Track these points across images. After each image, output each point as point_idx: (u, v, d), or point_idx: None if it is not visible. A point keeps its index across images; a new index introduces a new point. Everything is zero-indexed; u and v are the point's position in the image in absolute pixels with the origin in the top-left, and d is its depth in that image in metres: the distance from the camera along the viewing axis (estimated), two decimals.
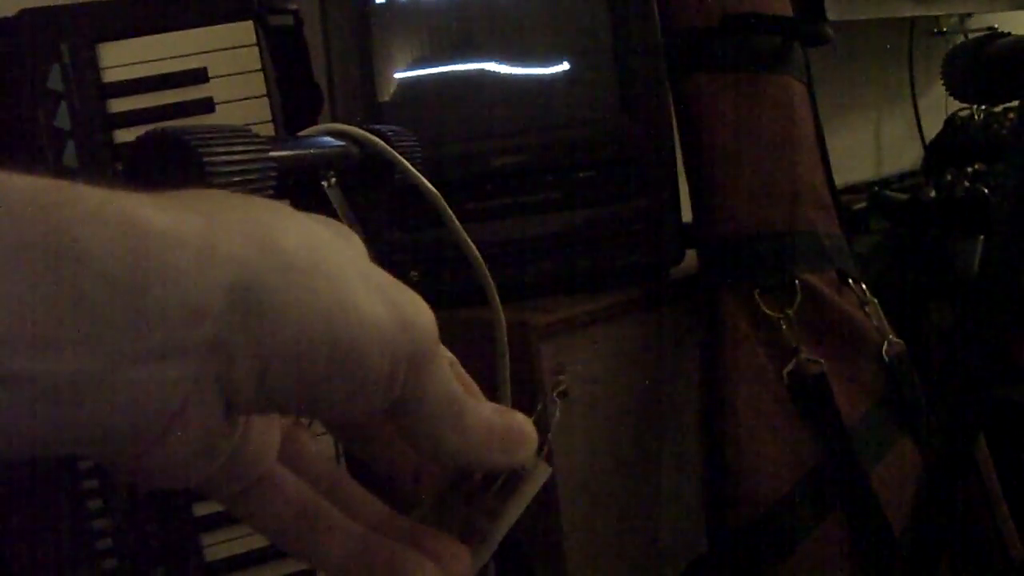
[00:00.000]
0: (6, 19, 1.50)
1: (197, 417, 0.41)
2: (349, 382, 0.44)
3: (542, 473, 0.55)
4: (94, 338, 0.37)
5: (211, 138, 0.65)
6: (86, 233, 0.37)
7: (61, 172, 1.43)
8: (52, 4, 1.53)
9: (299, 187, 0.80)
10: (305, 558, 0.54)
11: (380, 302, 0.44)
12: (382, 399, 0.46)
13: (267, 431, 0.51)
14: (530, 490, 0.55)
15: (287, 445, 0.54)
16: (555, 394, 1.54)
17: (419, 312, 0.46)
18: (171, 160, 0.64)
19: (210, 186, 0.63)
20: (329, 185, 0.82)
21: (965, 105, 2.37)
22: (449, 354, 0.54)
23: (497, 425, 0.51)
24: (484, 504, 0.55)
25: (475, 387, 0.55)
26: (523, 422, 0.53)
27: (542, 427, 0.56)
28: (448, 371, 0.49)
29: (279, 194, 0.74)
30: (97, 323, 0.37)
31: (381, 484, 0.58)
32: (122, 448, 0.41)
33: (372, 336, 0.44)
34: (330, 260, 0.44)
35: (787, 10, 1.76)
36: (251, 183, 0.68)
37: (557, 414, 0.59)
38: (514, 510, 0.55)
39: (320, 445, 0.56)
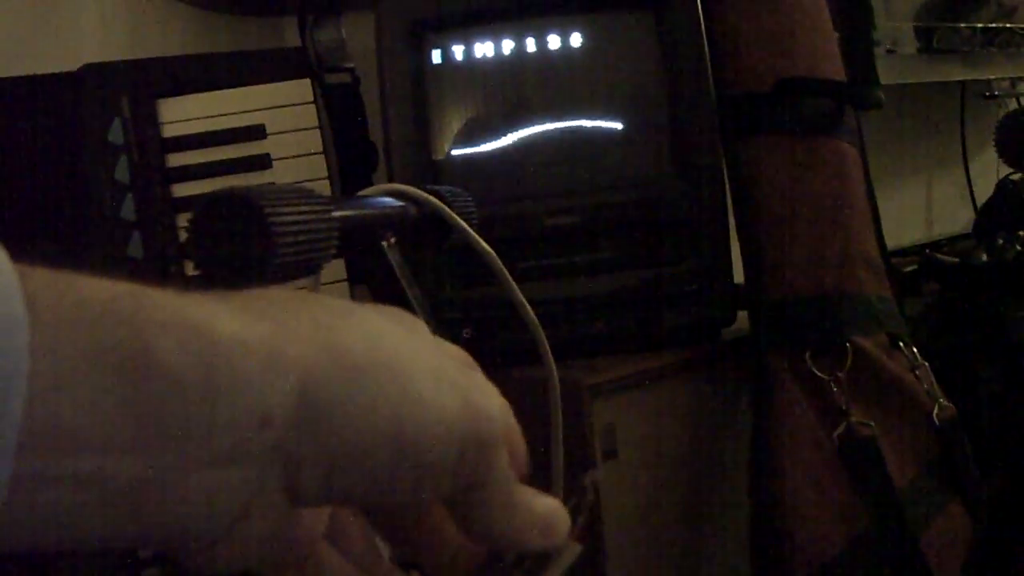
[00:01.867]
0: (69, 73, 1.52)
1: (261, 516, 0.42)
2: (415, 474, 0.45)
3: (572, 551, 0.55)
4: (163, 443, 0.38)
5: (277, 198, 0.66)
6: (159, 342, 0.38)
7: (119, 225, 1.45)
8: (114, 60, 1.55)
9: (359, 247, 0.81)
10: None
11: (448, 392, 0.45)
12: (449, 487, 0.47)
13: (317, 512, 0.51)
14: (560, 567, 0.55)
15: (332, 523, 0.54)
16: (602, 454, 1.54)
17: (488, 400, 0.47)
18: (237, 219, 0.65)
19: (275, 245, 0.64)
20: (388, 245, 0.83)
21: (1016, 170, 2.37)
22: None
23: (538, 509, 0.51)
24: None
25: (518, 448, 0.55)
26: (557, 506, 0.53)
27: (577, 506, 0.57)
28: (506, 456, 0.49)
29: (340, 254, 0.74)
30: (167, 429, 0.38)
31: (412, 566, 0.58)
32: (187, 544, 0.42)
33: (439, 428, 0.44)
34: (396, 355, 0.45)
35: (840, 74, 1.76)
36: (314, 243, 0.69)
37: (590, 496, 0.59)
38: None
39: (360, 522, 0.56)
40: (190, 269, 1.50)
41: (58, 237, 1.48)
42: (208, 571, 0.44)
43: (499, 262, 0.88)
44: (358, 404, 0.42)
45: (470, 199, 0.92)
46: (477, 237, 0.88)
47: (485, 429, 0.46)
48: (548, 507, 0.52)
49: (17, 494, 0.36)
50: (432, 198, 0.87)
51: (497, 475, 0.48)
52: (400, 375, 0.44)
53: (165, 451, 0.38)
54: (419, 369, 0.45)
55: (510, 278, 0.88)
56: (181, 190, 1.52)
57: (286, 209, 0.66)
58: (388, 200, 0.85)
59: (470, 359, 0.53)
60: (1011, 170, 2.44)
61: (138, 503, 0.39)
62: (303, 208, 0.68)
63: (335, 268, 1.52)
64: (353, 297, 1.52)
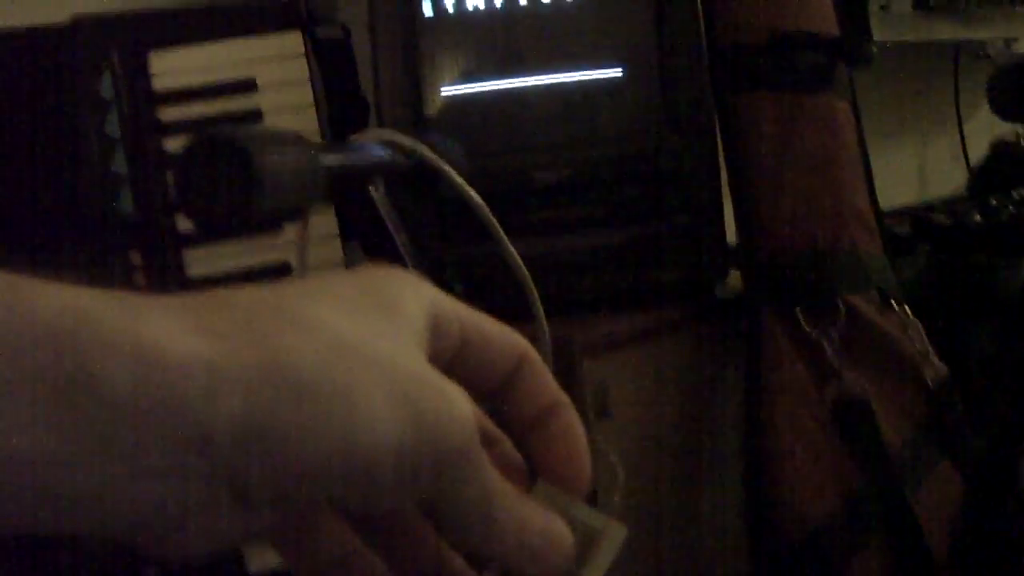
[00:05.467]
0: (58, 26, 1.51)
1: (214, 521, 0.42)
2: (363, 488, 0.44)
3: (617, 535, 0.53)
4: (100, 459, 0.39)
5: (264, 142, 0.66)
6: (97, 363, 0.38)
7: (110, 178, 1.44)
8: (104, 12, 1.54)
9: (347, 194, 0.81)
10: None
11: (402, 409, 0.44)
12: (400, 500, 0.46)
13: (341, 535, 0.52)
14: (608, 554, 0.52)
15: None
16: (595, 413, 1.54)
17: (448, 412, 0.45)
18: (222, 162, 0.65)
19: (261, 188, 0.63)
20: (377, 192, 0.82)
21: (1011, 130, 2.36)
22: (560, 396, 0.53)
23: (531, 526, 0.49)
24: None
25: (579, 448, 0.53)
26: (560, 532, 0.50)
27: (609, 486, 0.55)
28: (484, 469, 0.47)
29: (327, 199, 0.74)
30: (107, 446, 0.39)
31: None
32: (139, 542, 0.43)
33: (388, 451, 0.43)
34: (348, 370, 0.44)
35: (833, 30, 1.75)
36: (301, 187, 0.69)
37: (621, 476, 0.58)
38: None
39: None
40: (182, 225, 1.50)
41: (48, 192, 1.48)
42: (170, 559, 0.44)
43: (489, 213, 0.88)
44: (303, 427, 0.42)
45: (460, 149, 0.92)
46: (467, 187, 0.88)
47: (444, 444, 0.45)
48: (544, 526, 0.50)
49: None
50: (421, 146, 0.86)
51: (467, 488, 0.47)
52: (350, 394, 0.43)
53: (102, 467, 0.39)
54: (372, 384, 0.44)
55: (500, 230, 0.88)
56: (172, 143, 1.52)
57: (272, 152, 0.65)
58: (377, 147, 0.85)
59: (443, 306, 0.51)
60: (1005, 131, 2.44)
61: (86, 511, 0.40)
62: (289, 151, 0.68)
63: (327, 224, 1.51)
64: (345, 254, 1.52)
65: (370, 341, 0.45)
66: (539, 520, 0.50)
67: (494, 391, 0.52)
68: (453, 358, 0.50)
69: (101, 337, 0.39)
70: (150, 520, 0.41)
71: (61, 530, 0.40)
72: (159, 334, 0.40)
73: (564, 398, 0.53)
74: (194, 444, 0.40)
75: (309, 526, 0.52)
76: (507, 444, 0.54)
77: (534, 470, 0.53)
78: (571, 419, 0.53)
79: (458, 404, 0.46)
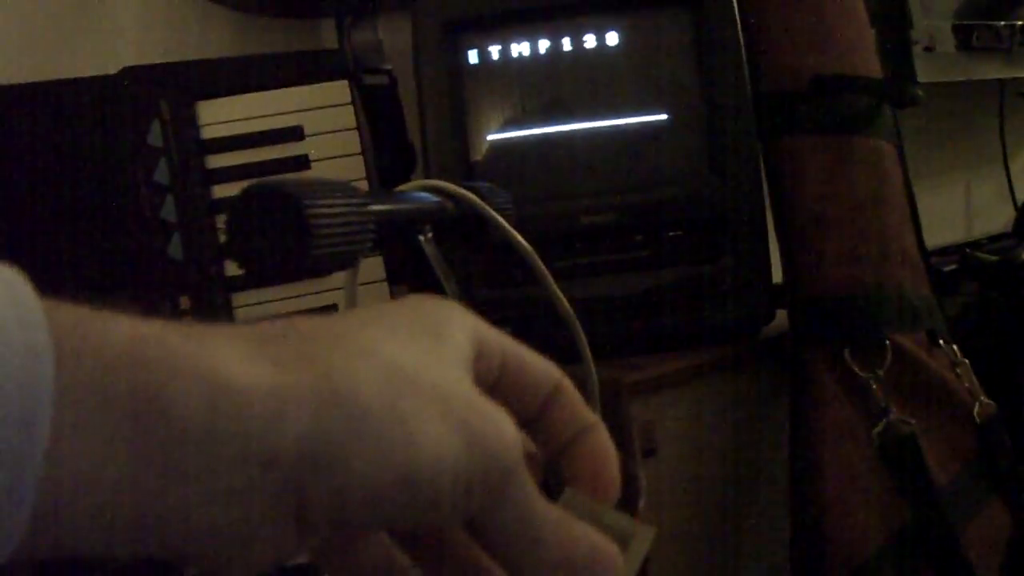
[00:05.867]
0: (109, 76, 1.53)
1: (269, 542, 0.44)
2: (421, 509, 0.45)
3: (646, 535, 0.54)
4: (169, 483, 0.40)
5: (314, 191, 0.66)
6: (168, 389, 0.40)
7: (160, 226, 1.46)
8: (153, 62, 1.56)
9: (396, 241, 0.82)
10: None
11: (456, 431, 0.45)
12: (452, 519, 0.47)
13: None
14: (637, 555, 0.54)
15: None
16: (641, 452, 1.54)
17: (498, 434, 0.47)
18: (274, 212, 0.66)
19: (311, 237, 0.64)
20: (425, 240, 0.83)
21: None
22: (593, 419, 0.55)
23: (580, 548, 0.50)
24: None
25: (608, 462, 0.55)
26: (610, 553, 0.51)
27: (632, 492, 0.56)
28: (529, 487, 0.49)
29: (377, 248, 0.75)
30: (176, 471, 0.40)
31: None
32: (199, 563, 0.44)
33: (442, 468, 0.45)
34: (404, 395, 0.45)
35: (876, 72, 1.76)
36: (351, 236, 0.69)
37: (643, 481, 0.59)
38: None
39: None
40: (230, 270, 1.51)
41: (100, 239, 1.50)
42: None
43: (537, 258, 0.88)
44: (363, 449, 0.43)
45: (507, 195, 0.92)
46: (514, 232, 0.88)
47: (494, 463, 0.47)
48: (593, 548, 0.51)
49: (36, 524, 0.38)
50: (468, 193, 0.87)
51: (513, 507, 0.48)
52: (409, 420, 0.45)
53: (171, 491, 0.40)
54: (428, 410, 0.45)
55: (548, 274, 0.88)
56: (221, 191, 1.53)
57: (322, 201, 0.66)
58: (425, 195, 0.86)
59: (486, 341, 0.52)
60: None
61: (147, 534, 0.41)
62: (339, 201, 0.68)
63: (374, 267, 1.52)
64: (392, 297, 1.52)
65: (423, 367, 0.47)
66: (585, 536, 0.51)
67: (531, 416, 0.54)
68: (494, 384, 0.52)
69: (171, 364, 0.40)
70: (217, 541, 0.42)
71: (130, 553, 0.41)
72: (225, 361, 0.42)
73: (596, 420, 0.55)
74: (259, 467, 0.41)
75: (357, 541, 0.54)
76: (602, 434, 0.55)
77: (562, 483, 0.54)
78: (602, 437, 0.55)
79: (508, 426, 0.48)
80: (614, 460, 0.55)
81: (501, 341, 0.53)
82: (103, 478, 0.39)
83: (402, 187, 0.88)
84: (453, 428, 0.46)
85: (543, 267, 0.88)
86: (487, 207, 0.88)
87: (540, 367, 0.54)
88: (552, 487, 0.53)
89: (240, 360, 0.42)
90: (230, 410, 0.41)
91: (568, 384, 0.55)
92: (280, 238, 0.66)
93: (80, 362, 0.39)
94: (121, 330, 0.41)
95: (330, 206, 0.67)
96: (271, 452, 0.42)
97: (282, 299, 1.53)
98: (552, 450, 0.54)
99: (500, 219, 0.88)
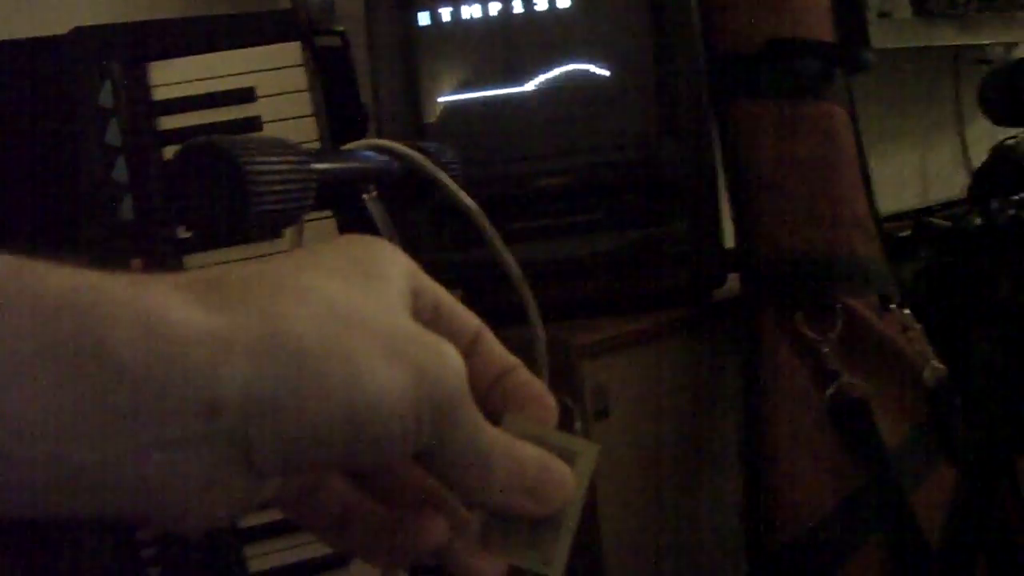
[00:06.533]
0: (58, 37, 1.52)
1: (221, 491, 0.44)
2: (370, 446, 0.46)
3: (590, 453, 0.55)
4: (114, 430, 0.40)
5: (253, 149, 0.66)
6: (110, 334, 0.40)
7: (111, 188, 1.45)
8: (103, 23, 1.55)
9: (340, 200, 0.81)
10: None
11: (400, 364, 0.46)
12: (404, 452, 0.47)
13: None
14: (582, 474, 0.54)
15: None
16: (594, 414, 1.55)
17: (443, 366, 0.47)
18: (213, 170, 0.65)
19: (250, 194, 0.64)
20: (370, 198, 0.83)
21: (1012, 134, 2.36)
22: (515, 360, 0.56)
23: (530, 468, 0.52)
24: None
25: (542, 391, 0.56)
26: (560, 470, 0.53)
27: (568, 412, 0.57)
28: (475, 413, 0.49)
29: (320, 206, 0.75)
30: (117, 416, 0.40)
31: None
32: (152, 518, 0.44)
33: (391, 403, 0.45)
34: (346, 334, 0.45)
35: (830, 36, 1.76)
36: (291, 194, 0.69)
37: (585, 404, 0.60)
38: (574, 503, 0.54)
39: None
40: (182, 232, 1.51)
41: (49, 201, 1.49)
42: (181, 533, 0.46)
43: (483, 216, 0.88)
44: (308, 391, 0.43)
45: (455, 155, 0.92)
46: (460, 192, 0.88)
47: (439, 395, 0.47)
48: (544, 469, 0.53)
49: None
50: (414, 152, 0.87)
51: (461, 435, 0.49)
52: (351, 357, 0.45)
53: (116, 437, 0.40)
54: (370, 346, 0.46)
55: (495, 234, 0.88)
56: (172, 153, 1.52)
57: (261, 159, 0.66)
58: (370, 154, 0.86)
59: (422, 284, 0.53)
60: (1007, 136, 2.44)
61: (94, 485, 0.41)
62: (279, 158, 0.68)
63: (327, 228, 1.52)
64: None
65: (362, 305, 0.47)
66: (534, 456, 0.52)
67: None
68: (426, 324, 0.51)
69: (110, 310, 0.40)
70: (162, 492, 0.42)
71: (72, 508, 0.41)
72: (165, 307, 0.42)
73: (517, 361, 0.56)
74: (202, 413, 0.41)
75: (312, 486, 0.54)
76: (522, 372, 0.57)
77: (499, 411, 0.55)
78: (526, 373, 0.56)
79: (452, 354, 0.48)
80: (543, 387, 0.56)
81: (433, 283, 0.54)
82: (45, 427, 0.38)
83: (348, 146, 0.87)
84: (398, 362, 0.46)
85: (490, 227, 0.88)
86: (433, 166, 0.87)
87: (466, 312, 0.56)
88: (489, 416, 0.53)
89: (179, 306, 0.42)
90: (170, 355, 0.41)
91: (488, 331, 0.56)
92: (219, 196, 0.65)
93: (17, 306, 0.39)
94: (60, 278, 0.40)
95: (269, 163, 0.67)
96: (211, 400, 0.41)
97: (235, 260, 1.52)
98: (479, 389, 0.54)
99: (446, 178, 0.88)
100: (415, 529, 0.54)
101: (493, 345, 0.56)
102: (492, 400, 0.55)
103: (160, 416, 0.41)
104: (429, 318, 0.53)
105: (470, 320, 0.55)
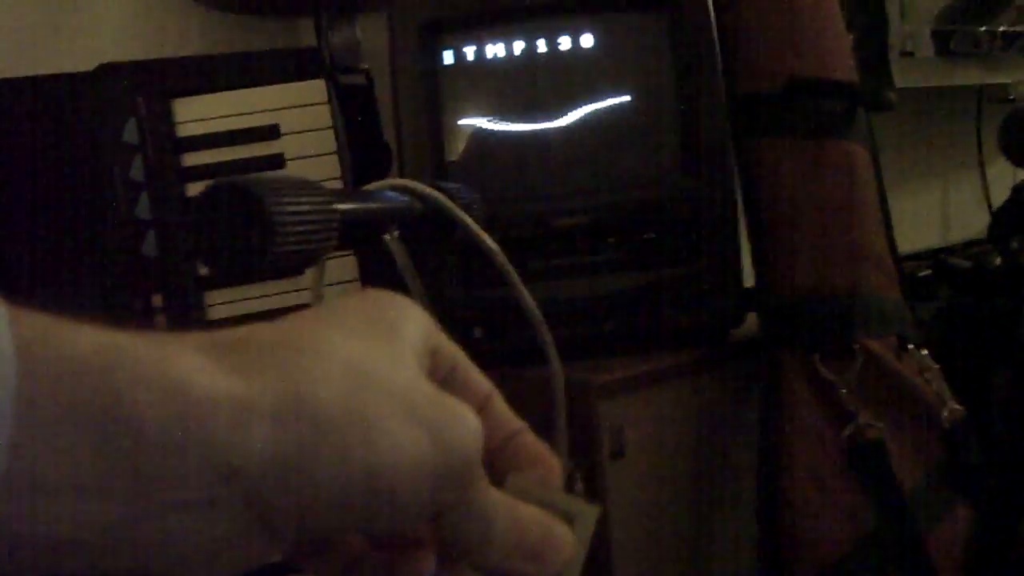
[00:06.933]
0: (84, 73, 1.53)
1: (236, 552, 0.44)
2: (387, 512, 0.46)
3: (590, 515, 0.55)
4: (134, 490, 0.40)
5: (279, 189, 0.67)
6: (133, 396, 0.40)
7: (134, 224, 1.46)
8: (131, 60, 1.56)
9: (362, 240, 0.82)
10: None
11: (420, 429, 0.46)
12: (422, 518, 0.48)
13: None
14: (582, 535, 0.55)
15: None
16: (610, 454, 1.55)
17: (460, 430, 0.48)
18: (239, 209, 0.66)
19: (273, 234, 0.65)
20: (392, 239, 0.83)
21: None
22: (521, 423, 0.57)
23: (532, 531, 0.52)
24: None
25: (545, 455, 0.57)
26: (561, 532, 0.54)
27: (571, 475, 0.57)
28: (483, 477, 0.50)
29: (342, 245, 0.75)
30: (139, 478, 0.40)
31: None
32: None
33: (410, 470, 0.46)
34: (367, 399, 0.46)
35: (852, 76, 1.76)
36: (315, 234, 0.70)
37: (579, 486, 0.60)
38: (574, 564, 0.55)
39: None
40: (204, 268, 1.51)
41: (74, 236, 1.50)
42: None
43: (503, 257, 0.89)
44: (329, 456, 0.44)
45: (475, 195, 0.93)
46: (481, 232, 0.89)
47: (455, 460, 0.47)
48: (546, 532, 0.53)
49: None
50: (435, 192, 0.88)
51: (471, 500, 0.49)
52: (371, 422, 0.45)
53: (136, 498, 0.40)
54: (389, 410, 0.46)
55: (515, 274, 0.89)
56: (195, 189, 1.53)
57: (286, 199, 0.67)
58: (392, 194, 0.86)
59: (441, 344, 0.53)
60: None
61: (114, 543, 0.41)
62: (303, 198, 0.69)
63: (347, 268, 1.53)
64: None
65: (381, 365, 0.48)
66: (535, 519, 0.53)
67: None
68: (441, 383, 0.52)
69: (133, 372, 0.41)
70: (180, 552, 0.42)
71: (91, 568, 0.41)
72: (187, 371, 0.42)
73: (524, 424, 0.57)
74: (223, 476, 0.42)
75: (325, 542, 0.54)
76: (528, 434, 0.58)
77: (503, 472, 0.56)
78: (532, 436, 0.57)
79: (472, 418, 0.49)
80: (548, 450, 0.57)
81: (450, 343, 0.54)
82: (68, 485, 0.39)
83: (370, 186, 0.88)
84: (416, 425, 0.46)
85: (510, 267, 0.89)
86: (454, 207, 0.88)
87: (479, 374, 0.56)
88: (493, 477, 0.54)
89: (203, 369, 0.43)
90: (192, 418, 0.41)
91: (498, 394, 0.57)
92: (243, 235, 0.66)
93: (45, 369, 0.39)
94: (86, 338, 0.41)
95: (293, 203, 0.68)
96: (233, 464, 0.42)
97: (256, 297, 1.53)
98: (486, 450, 0.54)
99: (467, 219, 0.88)
100: (410, 567, 0.54)
101: (502, 408, 0.57)
102: (497, 462, 0.56)
103: (180, 479, 0.41)
104: (444, 377, 0.53)
105: (483, 382, 0.56)
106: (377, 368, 0.47)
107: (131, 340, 0.42)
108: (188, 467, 0.41)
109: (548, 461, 0.57)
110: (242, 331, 0.47)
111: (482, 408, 0.55)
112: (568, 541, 0.54)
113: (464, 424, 0.48)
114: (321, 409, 0.44)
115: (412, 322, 0.52)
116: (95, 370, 0.40)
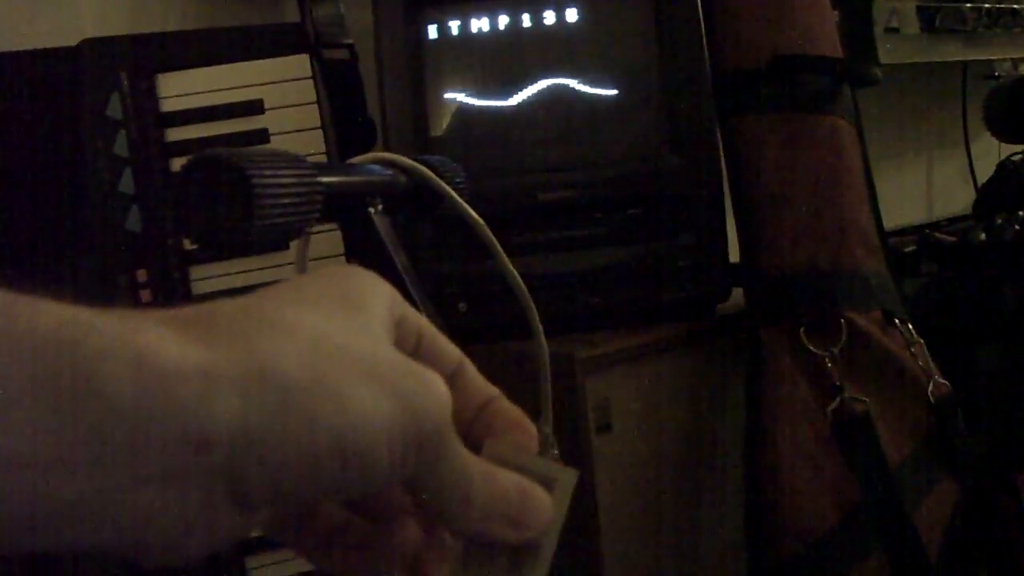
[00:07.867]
0: (68, 48, 1.52)
1: (208, 526, 0.44)
2: (358, 477, 0.46)
3: (569, 478, 0.56)
4: (101, 463, 0.40)
5: (260, 162, 0.66)
6: (99, 370, 0.40)
7: (118, 199, 1.46)
8: (114, 35, 1.56)
9: (346, 213, 0.82)
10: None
11: (386, 396, 0.46)
12: (391, 481, 0.48)
13: None
14: (561, 499, 0.55)
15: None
16: (596, 428, 1.55)
17: (428, 396, 0.48)
18: (220, 182, 0.66)
19: (255, 207, 0.64)
20: (375, 212, 0.83)
21: (1018, 150, 2.37)
22: (494, 390, 0.57)
23: (510, 496, 0.53)
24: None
25: (521, 420, 0.57)
26: (539, 496, 0.54)
27: (546, 440, 0.58)
28: (457, 443, 0.50)
29: (326, 219, 0.75)
30: (105, 450, 0.40)
31: None
32: (140, 553, 0.44)
33: (378, 435, 0.46)
34: (333, 368, 0.46)
35: (837, 52, 1.76)
36: (297, 207, 0.70)
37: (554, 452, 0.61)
38: (552, 529, 0.55)
39: None
40: (187, 241, 1.51)
41: (57, 211, 1.49)
42: (169, 565, 0.45)
43: (488, 230, 0.88)
44: (296, 423, 0.44)
45: (460, 169, 0.93)
46: (465, 205, 0.88)
47: (425, 425, 0.47)
48: (524, 497, 0.53)
49: None
50: (419, 166, 0.87)
51: (445, 464, 0.49)
52: (337, 390, 0.45)
53: (107, 471, 0.40)
54: (356, 378, 0.46)
55: (499, 248, 0.88)
56: (179, 164, 1.52)
57: (267, 171, 0.66)
58: (376, 168, 0.86)
59: (405, 313, 0.54)
60: (1012, 151, 2.45)
61: (84, 519, 0.41)
62: (285, 171, 0.68)
63: (333, 242, 1.52)
64: None
65: (346, 336, 0.48)
66: (513, 483, 0.53)
67: None
68: (410, 353, 0.52)
69: (101, 346, 0.40)
70: (152, 527, 0.42)
71: (62, 543, 0.41)
72: (155, 343, 0.42)
73: (497, 391, 0.57)
74: (192, 448, 0.42)
75: (301, 514, 0.54)
76: (503, 401, 0.58)
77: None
78: (506, 402, 0.57)
79: (439, 384, 0.49)
80: (523, 415, 0.57)
81: (416, 313, 0.54)
82: (37, 461, 0.39)
83: (354, 160, 0.88)
84: (384, 392, 0.46)
85: (495, 240, 0.88)
86: (439, 180, 0.88)
87: (448, 343, 0.56)
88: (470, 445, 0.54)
89: (168, 341, 0.42)
90: (159, 391, 0.41)
91: (469, 362, 0.57)
92: (224, 208, 0.66)
93: (6, 344, 0.39)
94: (49, 313, 0.41)
95: (275, 176, 0.67)
96: (201, 435, 0.42)
97: (241, 272, 1.53)
98: (460, 419, 0.55)
99: (451, 192, 0.88)
100: (392, 538, 0.55)
101: (474, 376, 0.57)
102: (473, 430, 0.56)
103: (150, 450, 0.41)
104: (412, 348, 0.54)
105: (452, 351, 0.56)
106: (343, 337, 0.48)
107: (95, 315, 0.42)
108: (156, 439, 0.41)
109: (524, 426, 0.57)
110: (206, 306, 0.47)
111: (454, 376, 0.55)
112: (546, 505, 0.54)
113: (430, 388, 0.48)
114: (288, 378, 0.44)
115: (376, 295, 0.52)
116: (59, 344, 0.40)
